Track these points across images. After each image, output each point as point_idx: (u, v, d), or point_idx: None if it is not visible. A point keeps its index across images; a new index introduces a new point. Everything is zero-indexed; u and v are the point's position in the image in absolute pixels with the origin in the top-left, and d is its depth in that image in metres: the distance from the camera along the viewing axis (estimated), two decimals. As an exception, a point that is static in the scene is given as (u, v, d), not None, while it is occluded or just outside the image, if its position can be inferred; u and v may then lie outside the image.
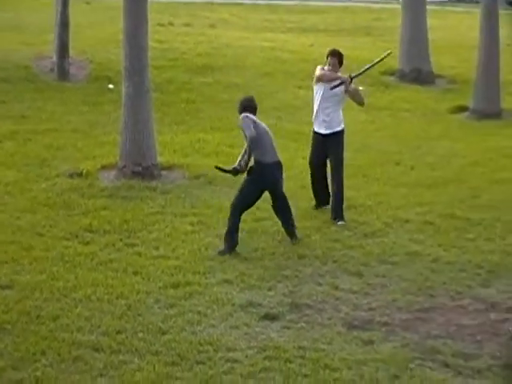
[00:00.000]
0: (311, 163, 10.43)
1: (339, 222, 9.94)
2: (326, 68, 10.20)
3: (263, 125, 9.37)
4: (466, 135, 14.12)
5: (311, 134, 10.45)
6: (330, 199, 10.24)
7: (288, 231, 9.42)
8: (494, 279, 8.72)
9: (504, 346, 7.35)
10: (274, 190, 9.38)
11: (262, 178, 9.25)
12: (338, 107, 10.20)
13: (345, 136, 10.29)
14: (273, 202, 9.48)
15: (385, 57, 10.68)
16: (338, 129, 10.21)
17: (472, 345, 7.37)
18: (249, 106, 9.40)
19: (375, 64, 10.62)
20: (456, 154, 12.95)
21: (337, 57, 10.18)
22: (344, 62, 10.27)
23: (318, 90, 10.16)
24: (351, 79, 10.09)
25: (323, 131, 10.24)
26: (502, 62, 15.63)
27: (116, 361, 6.86)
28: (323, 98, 10.11)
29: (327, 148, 10.23)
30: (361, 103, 10.52)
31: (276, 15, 24.33)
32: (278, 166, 9.38)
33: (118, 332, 7.31)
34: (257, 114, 9.39)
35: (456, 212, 10.49)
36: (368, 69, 10.48)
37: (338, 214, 10.03)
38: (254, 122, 9.26)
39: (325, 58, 10.28)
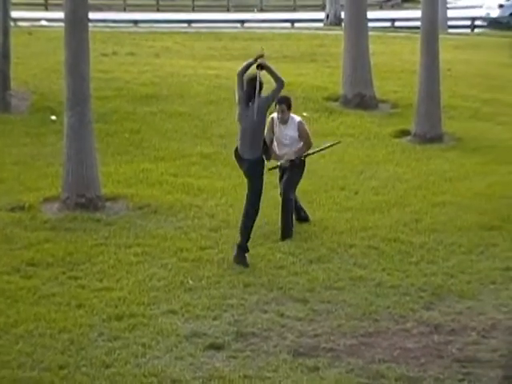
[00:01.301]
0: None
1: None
2: (275, 115, 10.55)
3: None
4: (409, 159, 14.28)
5: None
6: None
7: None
8: (437, 302, 8.80)
9: (447, 369, 7.41)
10: None
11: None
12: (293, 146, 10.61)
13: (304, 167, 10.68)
14: None
15: (333, 145, 11.67)
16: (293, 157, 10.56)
17: (416, 368, 7.42)
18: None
19: (322, 150, 11.42)
20: (399, 178, 13.09)
21: (284, 103, 10.45)
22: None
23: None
24: (290, 162, 10.52)
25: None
26: (442, 87, 15.86)
27: (58, 397, 6.78)
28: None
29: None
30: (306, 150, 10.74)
31: (220, 43, 24.40)
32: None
33: (61, 367, 7.22)
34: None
35: (399, 236, 10.59)
36: (313, 153, 10.96)
37: (284, 235, 10.33)
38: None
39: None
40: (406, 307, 8.62)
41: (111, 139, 14.36)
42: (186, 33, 26.41)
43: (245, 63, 9.81)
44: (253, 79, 9.61)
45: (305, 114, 16.61)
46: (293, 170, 10.55)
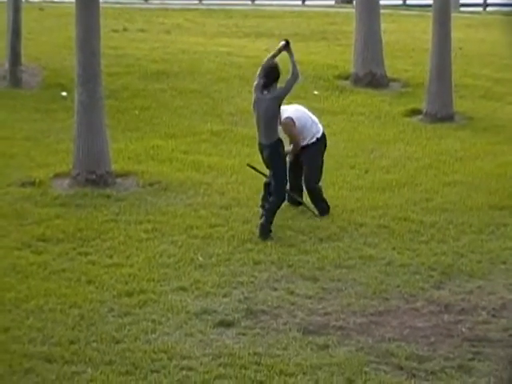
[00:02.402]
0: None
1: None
2: None
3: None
4: (420, 138, 14.22)
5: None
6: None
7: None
8: (446, 281, 8.80)
9: (457, 348, 7.41)
10: None
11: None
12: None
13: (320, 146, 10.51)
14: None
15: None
16: (312, 140, 10.42)
17: (426, 347, 7.42)
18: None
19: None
20: (410, 157, 13.04)
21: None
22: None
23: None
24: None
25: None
26: (454, 66, 15.77)
27: (69, 372, 6.81)
28: None
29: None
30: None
31: (231, 20, 24.30)
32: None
33: (71, 342, 7.26)
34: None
35: (410, 215, 10.56)
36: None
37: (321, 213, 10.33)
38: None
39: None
40: (416, 286, 8.62)
41: (122, 116, 14.35)
42: (196, 10, 26.28)
43: (269, 55, 9.92)
44: (272, 68, 9.68)
45: (315, 92, 16.57)
46: (309, 159, 10.39)
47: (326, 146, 10.63)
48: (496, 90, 17.81)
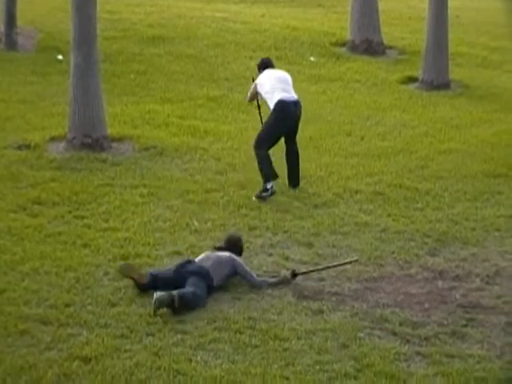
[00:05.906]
0: None
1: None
2: None
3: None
4: (416, 106, 14.21)
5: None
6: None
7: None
8: (441, 248, 8.83)
9: (451, 314, 7.46)
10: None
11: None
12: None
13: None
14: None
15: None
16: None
17: (420, 313, 7.46)
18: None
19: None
20: (405, 125, 13.04)
21: None
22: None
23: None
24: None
25: None
26: (450, 34, 15.72)
27: (64, 334, 6.82)
28: None
29: None
30: None
31: (228, -15, 24.13)
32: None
33: (67, 305, 7.26)
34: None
35: (405, 182, 10.58)
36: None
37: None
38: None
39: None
40: (410, 253, 8.65)
41: (117, 80, 14.29)
42: (193, -26, 26.08)
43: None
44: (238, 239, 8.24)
45: (312, 58, 16.51)
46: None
47: (284, 115, 9.79)
48: (492, 58, 17.78)
